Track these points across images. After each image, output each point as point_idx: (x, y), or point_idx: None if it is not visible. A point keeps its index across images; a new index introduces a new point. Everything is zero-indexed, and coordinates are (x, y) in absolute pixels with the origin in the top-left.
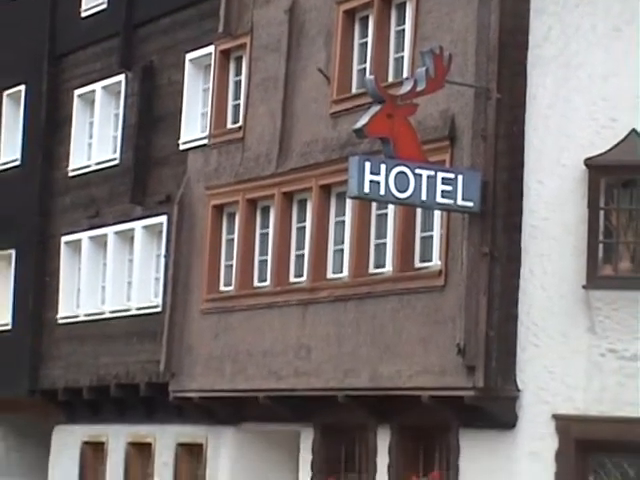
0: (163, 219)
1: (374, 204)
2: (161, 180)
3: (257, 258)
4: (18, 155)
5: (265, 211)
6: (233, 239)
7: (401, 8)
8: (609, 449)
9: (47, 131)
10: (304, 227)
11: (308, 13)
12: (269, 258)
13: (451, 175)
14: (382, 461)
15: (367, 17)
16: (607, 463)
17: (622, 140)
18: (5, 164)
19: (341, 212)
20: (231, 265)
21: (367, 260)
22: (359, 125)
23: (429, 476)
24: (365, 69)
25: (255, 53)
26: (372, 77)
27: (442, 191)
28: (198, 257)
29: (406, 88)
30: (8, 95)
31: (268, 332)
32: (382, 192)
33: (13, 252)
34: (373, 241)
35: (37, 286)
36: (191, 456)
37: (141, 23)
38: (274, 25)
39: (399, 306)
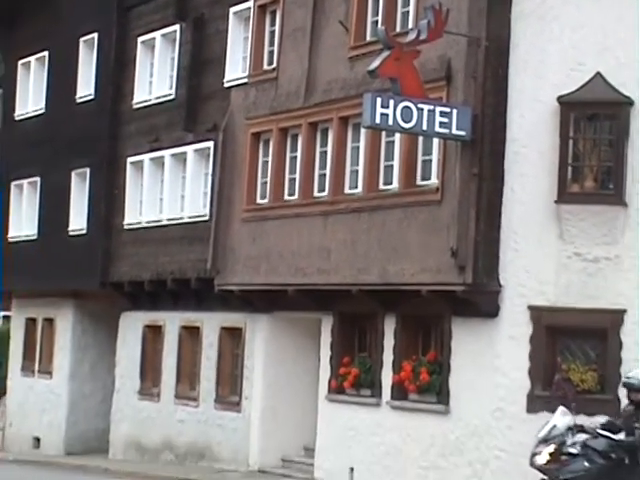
0: (210, 144)
1: (384, 133)
2: (209, 112)
3: (287, 176)
4: (92, 91)
5: (294, 138)
6: (268, 161)
7: None
8: (574, 334)
9: (116, 71)
10: (326, 151)
11: None
12: (297, 176)
13: (447, 109)
14: (388, 343)
15: None
16: (572, 345)
17: (588, 81)
18: (82, 98)
19: (356, 139)
20: (266, 182)
21: (377, 179)
22: (372, 67)
23: (426, 355)
24: (377, 21)
25: (287, 7)
26: (383, 27)
27: (440, 122)
28: (239, 175)
29: (411, 37)
30: (84, 41)
31: (296, 237)
32: (390, 123)
33: (88, 170)
34: (383, 163)
35: (107, 198)
36: (232, 338)
37: None
38: None
39: (403, 217)
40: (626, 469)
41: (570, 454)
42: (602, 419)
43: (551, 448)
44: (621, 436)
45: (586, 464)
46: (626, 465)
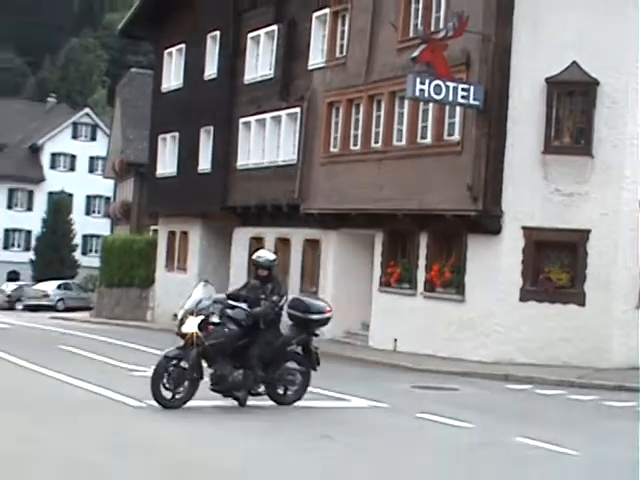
0: (298, 110)
1: (421, 102)
2: (298, 87)
3: (352, 133)
4: (215, 71)
5: (357, 106)
6: (338, 122)
7: None
8: (554, 247)
9: (232, 58)
10: (380, 115)
11: None
12: (359, 133)
13: (467, 86)
14: (422, 252)
15: None
16: (552, 255)
17: (567, 67)
18: (208, 76)
19: (402, 107)
20: (337, 137)
21: (416, 135)
22: (413, 55)
23: (449, 261)
24: (417, 23)
25: (354, 13)
26: (422, 27)
27: (461, 95)
28: (318, 132)
29: (442, 34)
30: (210, 36)
31: (358, 177)
32: (426, 95)
33: (212, 128)
34: (420, 124)
35: (225, 146)
36: (312, 247)
37: None
38: None
39: (434, 163)
40: (253, 332)
41: (214, 323)
42: (229, 290)
43: (199, 319)
44: (245, 306)
45: (226, 330)
46: (252, 329)
